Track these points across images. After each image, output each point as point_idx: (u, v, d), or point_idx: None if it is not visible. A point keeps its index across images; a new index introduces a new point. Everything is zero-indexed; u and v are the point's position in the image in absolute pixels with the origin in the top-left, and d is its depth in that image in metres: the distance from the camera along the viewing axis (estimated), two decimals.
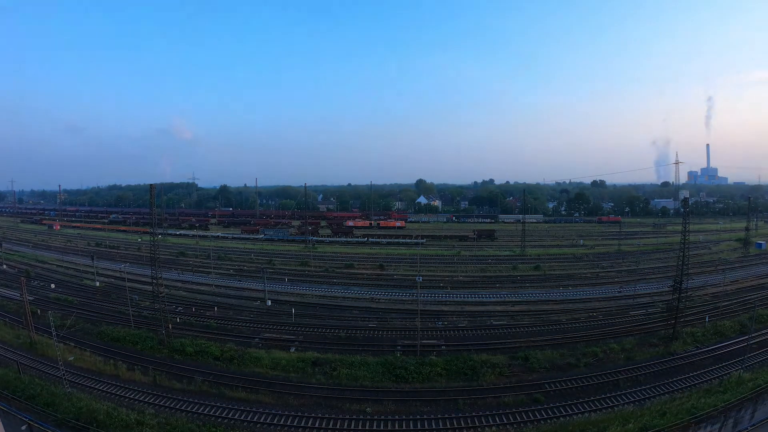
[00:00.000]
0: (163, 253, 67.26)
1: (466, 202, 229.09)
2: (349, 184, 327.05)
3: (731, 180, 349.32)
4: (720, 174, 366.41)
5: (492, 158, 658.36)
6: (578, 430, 27.74)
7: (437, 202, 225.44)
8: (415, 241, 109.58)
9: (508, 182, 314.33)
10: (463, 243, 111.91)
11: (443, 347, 42.31)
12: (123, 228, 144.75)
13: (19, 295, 49.43)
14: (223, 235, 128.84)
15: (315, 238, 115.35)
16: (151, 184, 55.86)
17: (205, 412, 31.18)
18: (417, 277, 52.98)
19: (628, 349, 40.32)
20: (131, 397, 33.38)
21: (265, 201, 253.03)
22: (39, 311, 50.29)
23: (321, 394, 33.70)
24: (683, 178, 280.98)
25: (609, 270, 78.09)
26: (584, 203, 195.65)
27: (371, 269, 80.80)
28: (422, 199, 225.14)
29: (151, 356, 40.86)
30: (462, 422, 29.87)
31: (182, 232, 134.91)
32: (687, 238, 43.62)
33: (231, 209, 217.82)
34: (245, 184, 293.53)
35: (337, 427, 29.57)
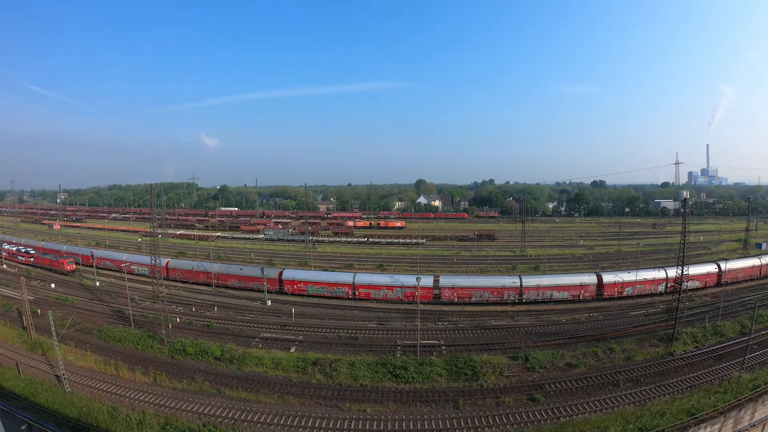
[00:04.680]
0: (163, 252, 67.22)
1: (467, 203, 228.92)
2: (349, 184, 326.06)
3: (731, 180, 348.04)
4: (720, 174, 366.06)
5: (492, 158, 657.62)
6: (578, 430, 27.78)
7: (437, 202, 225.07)
8: (415, 241, 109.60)
9: (508, 182, 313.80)
10: (463, 243, 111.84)
11: (443, 347, 42.35)
12: (123, 228, 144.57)
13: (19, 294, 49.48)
14: (222, 235, 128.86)
15: (315, 238, 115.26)
16: (151, 184, 56.01)
17: (206, 411, 31.30)
18: (416, 277, 52.93)
19: (628, 349, 40.38)
20: (132, 396, 33.50)
21: (265, 201, 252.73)
22: (39, 311, 50.30)
23: (321, 394, 33.79)
24: (683, 179, 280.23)
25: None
26: (584, 203, 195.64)
27: (371, 269, 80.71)
28: (422, 199, 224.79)
29: (151, 356, 40.94)
30: (462, 422, 29.92)
31: (182, 232, 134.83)
32: (687, 238, 43.65)
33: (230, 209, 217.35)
34: (245, 184, 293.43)
35: (337, 427, 29.65)
